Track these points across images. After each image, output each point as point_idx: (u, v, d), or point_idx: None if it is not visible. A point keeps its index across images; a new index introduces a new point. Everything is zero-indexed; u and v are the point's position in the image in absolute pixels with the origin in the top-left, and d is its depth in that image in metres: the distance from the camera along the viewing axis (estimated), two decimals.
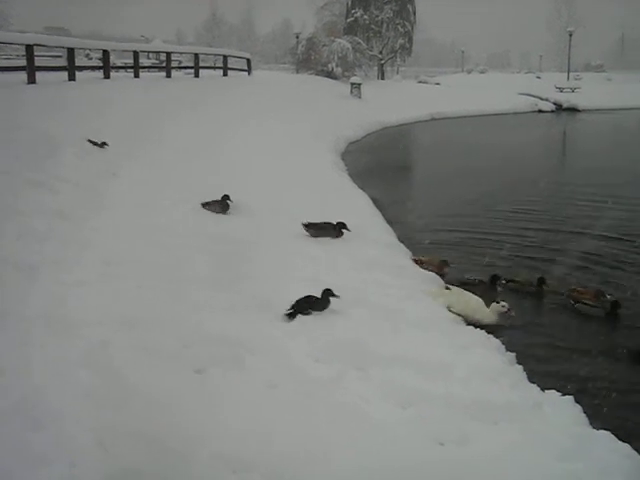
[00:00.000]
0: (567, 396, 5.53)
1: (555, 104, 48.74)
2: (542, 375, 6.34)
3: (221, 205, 10.71)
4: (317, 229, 9.80)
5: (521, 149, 26.54)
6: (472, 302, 7.67)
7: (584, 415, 5.40)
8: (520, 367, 6.24)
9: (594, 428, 5.24)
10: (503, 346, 6.67)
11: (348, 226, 9.79)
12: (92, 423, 4.45)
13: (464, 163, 21.79)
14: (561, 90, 53.80)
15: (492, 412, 5.14)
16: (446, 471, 4.34)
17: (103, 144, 13.51)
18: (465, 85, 55.89)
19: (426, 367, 5.78)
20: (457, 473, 4.32)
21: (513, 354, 6.52)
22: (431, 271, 9.06)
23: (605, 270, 10.04)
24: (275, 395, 5.21)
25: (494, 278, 8.98)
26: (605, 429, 5.16)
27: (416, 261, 9.45)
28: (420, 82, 57.72)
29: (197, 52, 35.09)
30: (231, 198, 10.83)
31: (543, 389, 5.74)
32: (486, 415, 5.09)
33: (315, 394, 5.25)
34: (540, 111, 46.86)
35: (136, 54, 27.69)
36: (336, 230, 9.79)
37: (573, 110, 47.71)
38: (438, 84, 56.22)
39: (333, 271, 8.34)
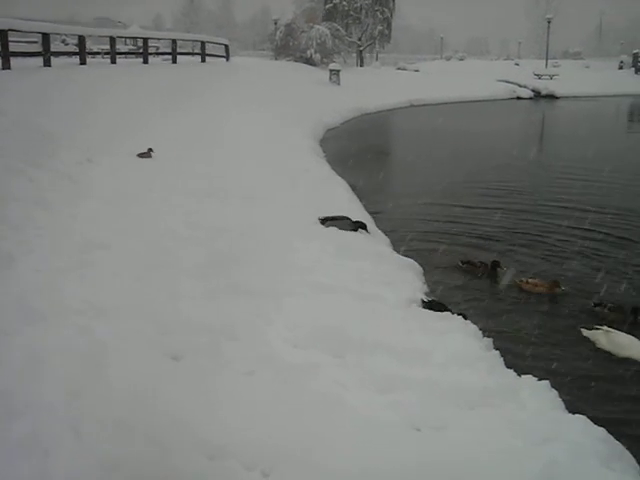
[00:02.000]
0: (543, 381, 5.58)
1: (533, 91, 48.91)
2: (519, 360, 6.42)
3: None
4: (333, 223, 9.83)
5: (500, 136, 26.64)
6: (624, 341, 6.96)
7: (560, 400, 5.46)
8: (497, 352, 6.26)
9: (570, 412, 5.30)
10: (480, 332, 6.70)
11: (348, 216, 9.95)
12: (69, 411, 4.44)
13: (443, 149, 21.88)
14: (539, 77, 53.98)
15: (469, 397, 5.17)
16: (422, 456, 4.36)
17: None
18: (444, 72, 55.87)
19: (404, 353, 5.80)
20: (433, 458, 4.34)
21: (490, 339, 6.55)
22: (540, 292, 8.44)
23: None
24: (253, 382, 5.20)
25: (495, 264, 9.07)
26: (581, 413, 5.23)
27: (522, 283, 8.65)
28: (399, 69, 57.58)
29: (175, 38, 34.76)
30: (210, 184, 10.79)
31: (520, 374, 5.78)
32: (463, 400, 5.11)
33: (293, 381, 5.23)
34: (519, 98, 47.02)
35: (113, 40, 27.42)
36: (352, 226, 9.80)
37: (551, 97, 47.92)
38: (417, 71, 56.13)
39: (311, 257, 8.33)
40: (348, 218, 9.96)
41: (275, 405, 4.87)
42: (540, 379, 5.62)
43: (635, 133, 31.94)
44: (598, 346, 7.02)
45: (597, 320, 7.59)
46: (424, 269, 8.97)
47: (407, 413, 4.90)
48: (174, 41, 33.64)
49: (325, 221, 9.84)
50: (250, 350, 5.68)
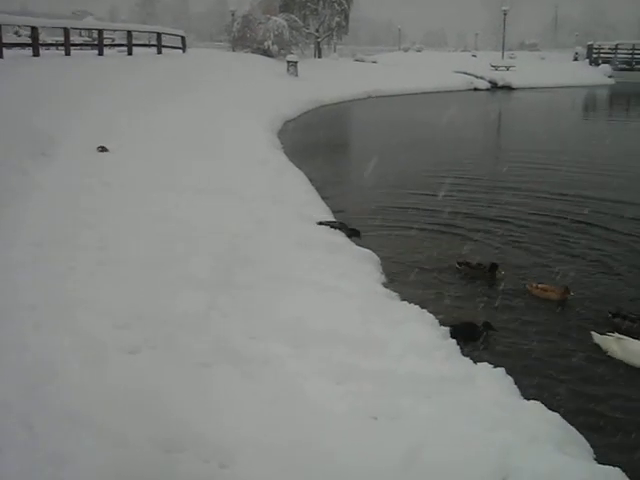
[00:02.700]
0: (498, 368, 5.64)
1: (490, 82, 49.29)
2: (475, 347, 6.49)
3: None
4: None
5: (458, 126, 26.79)
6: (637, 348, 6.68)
7: (515, 386, 5.53)
8: (453, 341, 6.32)
9: (525, 399, 5.36)
10: (437, 321, 6.74)
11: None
12: (21, 408, 4.37)
13: (401, 140, 21.91)
14: (496, 68, 54.37)
15: (425, 385, 5.20)
16: (379, 445, 4.37)
17: None
18: (402, 63, 56.00)
19: (361, 343, 5.81)
20: (389, 446, 4.35)
21: (447, 328, 6.60)
22: (551, 299, 8.03)
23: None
24: (209, 374, 5.17)
25: (493, 267, 8.80)
26: (535, 399, 5.29)
27: (532, 288, 8.26)
28: (357, 60, 57.64)
29: (130, 29, 34.37)
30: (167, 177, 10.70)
31: (476, 362, 5.83)
32: (419, 389, 5.14)
33: (251, 372, 5.22)
34: (476, 89, 47.37)
35: (67, 31, 27.00)
36: (347, 232, 9.79)
37: (508, 88, 48.36)
38: (375, 62, 56.20)
39: (268, 249, 8.30)
40: (344, 224, 9.97)
41: (233, 397, 4.86)
42: (496, 366, 5.68)
43: (589, 122, 32.43)
44: (610, 354, 6.68)
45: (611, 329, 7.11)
46: (383, 260, 9.00)
47: (364, 403, 4.91)
48: (130, 33, 33.25)
49: (320, 225, 9.86)
50: (206, 343, 5.64)
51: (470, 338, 6.71)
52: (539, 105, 39.74)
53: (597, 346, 6.86)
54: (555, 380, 6.22)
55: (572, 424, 5.10)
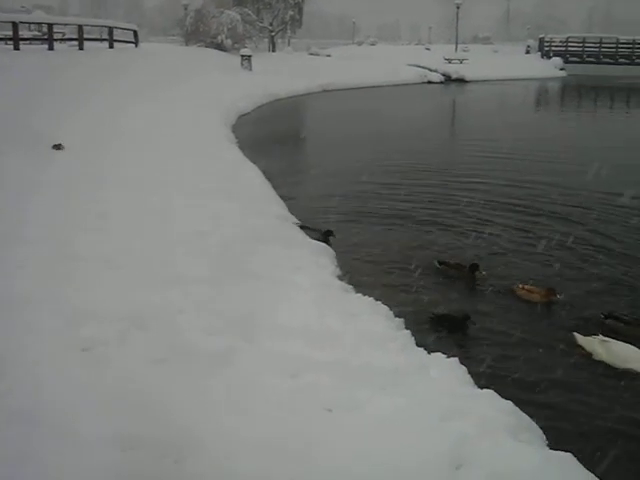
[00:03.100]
0: (452, 358, 5.68)
1: (444, 75, 49.65)
2: (429, 338, 6.53)
3: None
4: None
5: (412, 119, 26.96)
6: (625, 351, 6.50)
7: (469, 375, 5.57)
8: (408, 332, 6.35)
9: (479, 387, 5.41)
10: (391, 312, 6.77)
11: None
12: None
13: (355, 133, 21.97)
14: (449, 61, 54.76)
15: (380, 377, 5.20)
16: (334, 437, 4.37)
17: None
18: (356, 57, 56.03)
19: (316, 336, 5.80)
20: (345, 439, 4.35)
21: (401, 319, 6.63)
22: (536, 301, 7.85)
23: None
24: (164, 370, 5.11)
25: (473, 267, 8.69)
26: (488, 388, 5.34)
27: (517, 289, 8.07)
28: (311, 54, 57.52)
29: (81, 24, 33.78)
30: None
31: (430, 352, 5.86)
32: (374, 380, 5.14)
33: (206, 367, 5.17)
34: (429, 82, 47.67)
35: (15, 25, 26.48)
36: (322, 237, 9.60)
37: (461, 81, 48.79)
38: (329, 56, 56.17)
39: (222, 242, 8.23)
40: (319, 229, 9.82)
41: (187, 392, 4.81)
42: (449, 356, 5.72)
43: (542, 113, 32.88)
44: (595, 357, 6.52)
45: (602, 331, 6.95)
46: (338, 253, 9.00)
47: (319, 395, 4.90)
48: (81, 27, 32.69)
49: (302, 228, 9.86)
50: (161, 339, 5.57)
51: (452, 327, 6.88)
52: (492, 97, 40.19)
53: (560, 340, 6.96)
54: (511, 371, 6.29)
55: (525, 412, 5.17)
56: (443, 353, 5.79)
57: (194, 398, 4.74)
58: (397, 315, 6.78)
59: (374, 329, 6.11)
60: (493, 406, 5.01)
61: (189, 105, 21.56)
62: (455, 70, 50.62)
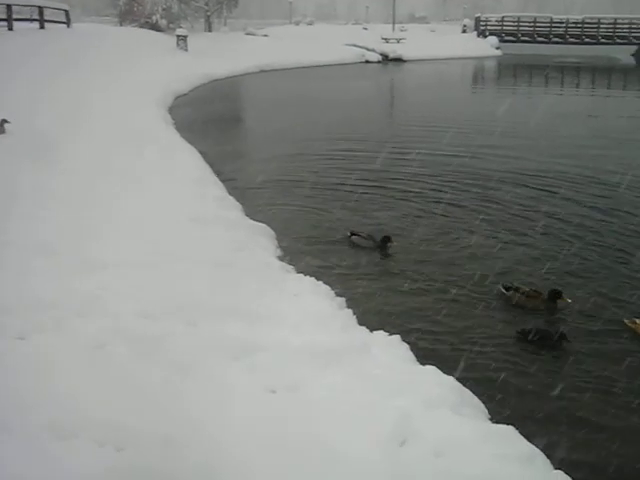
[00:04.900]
0: (394, 335, 5.69)
1: (382, 55, 49.72)
2: (371, 316, 6.53)
3: None
4: None
5: (351, 99, 26.92)
6: None
7: (411, 352, 5.59)
8: (350, 311, 6.35)
9: (421, 364, 5.43)
10: (333, 292, 6.75)
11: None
12: None
13: (294, 114, 21.91)
14: (387, 41, 54.84)
15: (323, 356, 5.18)
16: (277, 418, 4.33)
17: None
18: (293, 37, 55.69)
19: (257, 317, 5.77)
20: (288, 419, 4.32)
21: (343, 299, 6.62)
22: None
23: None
24: (103, 356, 4.99)
25: (385, 239, 8.79)
26: (431, 364, 5.37)
27: (634, 325, 6.97)
28: (248, 34, 56.88)
29: (10, 3, 32.74)
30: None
31: (372, 330, 5.86)
32: (317, 360, 5.13)
33: (145, 352, 5.08)
34: (367, 62, 47.68)
35: None
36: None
37: (399, 60, 48.93)
38: (266, 36, 55.72)
39: (160, 227, 8.10)
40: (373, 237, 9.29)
41: (128, 378, 4.70)
42: (391, 334, 5.73)
43: (479, 91, 33.25)
44: None
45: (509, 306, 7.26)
46: (278, 233, 8.95)
47: (262, 376, 4.87)
48: (9, 6, 31.67)
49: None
50: (99, 325, 5.44)
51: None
52: (430, 76, 40.42)
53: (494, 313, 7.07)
54: (451, 345, 6.34)
55: (467, 387, 5.22)
56: (385, 331, 5.79)
57: (135, 385, 4.63)
58: (338, 294, 6.76)
59: (315, 309, 6.09)
60: (436, 382, 5.04)
61: (122, 86, 21.15)
62: (392, 50, 50.75)
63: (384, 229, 9.28)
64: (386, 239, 8.78)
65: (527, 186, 12.09)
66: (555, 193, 11.61)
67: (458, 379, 5.19)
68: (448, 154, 14.52)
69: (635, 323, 6.78)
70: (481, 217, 10.11)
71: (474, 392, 5.18)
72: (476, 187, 11.85)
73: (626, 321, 6.84)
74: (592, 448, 4.98)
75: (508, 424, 4.64)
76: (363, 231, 9.10)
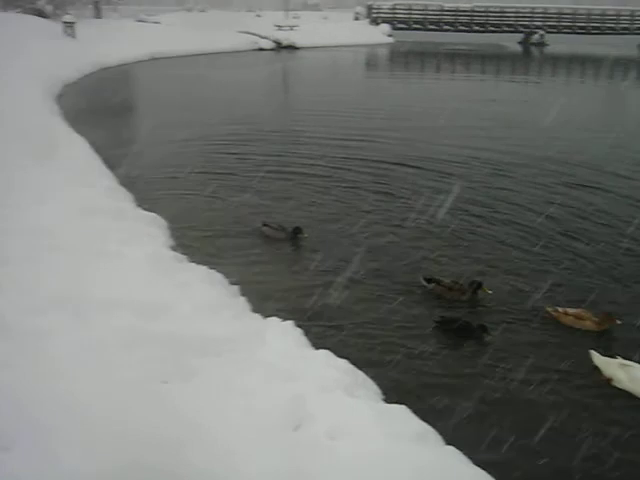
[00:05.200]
0: (287, 321, 5.70)
1: (275, 42, 49.62)
2: (267, 304, 6.52)
3: None
4: None
5: (245, 86, 26.78)
6: None
7: (305, 338, 5.61)
8: (243, 299, 6.31)
9: (315, 348, 5.46)
10: (226, 280, 6.69)
11: None
12: None
13: (188, 101, 21.62)
14: (280, 28, 54.70)
15: (215, 345, 5.15)
16: (169, 407, 4.26)
17: None
18: (186, 24, 54.67)
19: (148, 307, 5.64)
20: (180, 410, 4.25)
21: (236, 287, 6.58)
22: (584, 328, 6.83)
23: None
24: None
25: (296, 230, 8.76)
26: (325, 348, 5.40)
27: (554, 314, 7.07)
28: (139, 21, 55.68)
29: None
30: None
31: (265, 317, 5.85)
32: (210, 348, 5.09)
33: (30, 347, 4.89)
34: (261, 49, 47.52)
35: None
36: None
37: (292, 48, 48.95)
38: (158, 23, 54.67)
39: (48, 218, 7.82)
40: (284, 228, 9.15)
41: (12, 374, 4.52)
42: (284, 320, 5.73)
43: (370, 79, 33.58)
44: (616, 385, 5.85)
45: (430, 299, 7.28)
46: (171, 223, 8.81)
47: (154, 367, 4.77)
48: None
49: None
50: None
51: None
52: (323, 64, 40.62)
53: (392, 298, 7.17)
54: (344, 329, 6.40)
55: (361, 369, 5.29)
56: (278, 317, 5.79)
57: (19, 380, 4.47)
58: (232, 283, 6.71)
59: (208, 298, 6.03)
60: (329, 365, 5.08)
61: (4, 74, 20.27)
62: (286, 37, 50.70)
63: (295, 220, 9.22)
64: (297, 230, 8.75)
65: (434, 170, 12.36)
66: (452, 175, 11.97)
67: (357, 362, 5.26)
68: (344, 139, 14.67)
69: (557, 311, 6.93)
70: (390, 205, 10.28)
71: (374, 375, 5.27)
72: (376, 172, 12.04)
73: (548, 309, 7.00)
74: (485, 425, 5.13)
75: (401, 404, 4.72)
76: (274, 222, 9.03)
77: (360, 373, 5.22)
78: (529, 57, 49.67)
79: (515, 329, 6.67)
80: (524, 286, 7.60)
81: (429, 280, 7.48)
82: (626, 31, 60.16)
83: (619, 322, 6.69)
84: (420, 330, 6.53)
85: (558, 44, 55.21)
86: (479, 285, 7.30)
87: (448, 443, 4.47)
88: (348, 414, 4.42)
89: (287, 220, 9.23)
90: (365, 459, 4.01)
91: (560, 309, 6.94)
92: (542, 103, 22.24)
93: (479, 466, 4.22)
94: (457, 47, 51.94)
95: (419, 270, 7.85)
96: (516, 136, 15.97)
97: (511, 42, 57.63)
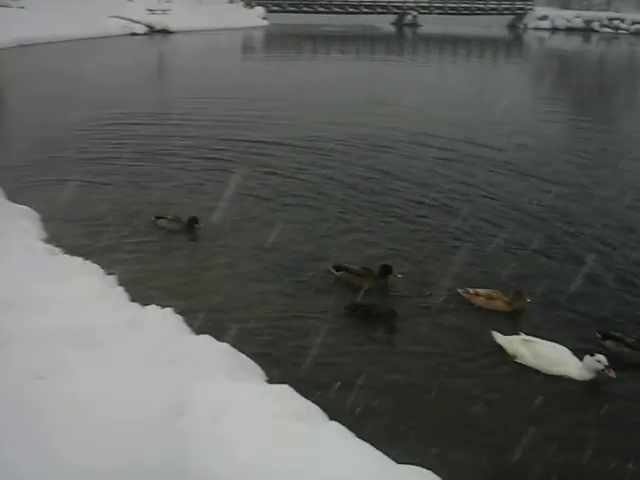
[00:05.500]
0: (167, 308, 5.64)
1: (148, 27, 48.54)
2: (145, 293, 6.42)
3: None
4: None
5: (117, 72, 26.11)
6: (553, 353, 6.00)
7: (184, 324, 5.57)
8: (121, 289, 6.20)
9: (196, 333, 5.44)
10: (102, 270, 6.56)
11: None
12: None
13: (58, 90, 20.83)
14: (152, 12, 53.55)
15: (94, 337, 5.03)
16: (48, 404, 4.15)
17: None
18: (53, 8, 52.68)
19: (18, 303, 5.44)
20: (57, 405, 4.15)
21: (113, 277, 6.46)
22: (496, 308, 6.92)
23: None
24: None
25: (192, 220, 8.56)
26: (208, 334, 5.38)
27: (465, 296, 7.11)
28: (2, 6, 53.23)
29: None
30: None
31: (144, 305, 5.77)
32: (87, 340, 4.96)
33: None
34: (134, 34, 46.37)
35: None
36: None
37: (165, 32, 48.05)
38: (22, 8, 52.37)
39: None
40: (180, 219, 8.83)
41: None
42: (164, 307, 5.67)
43: (246, 63, 33.44)
44: (519, 361, 5.99)
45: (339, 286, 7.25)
46: (44, 215, 8.51)
47: (28, 364, 4.62)
48: None
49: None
50: None
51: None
52: (198, 48, 40.15)
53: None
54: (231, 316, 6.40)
55: (244, 353, 5.30)
56: (157, 305, 5.72)
57: None
58: (109, 273, 6.58)
59: (85, 289, 5.88)
60: (211, 350, 5.07)
61: None
62: (158, 21, 49.72)
63: (190, 210, 9.02)
64: (193, 220, 8.59)
65: (313, 148, 12.59)
66: (333, 152, 12.19)
67: (239, 346, 5.27)
68: (222, 123, 14.64)
69: (468, 293, 7.04)
70: (283, 187, 10.35)
71: (259, 357, 5.34)
72: (261, 152, 12.18)
73: (460, 291, 7.10)
74: (375, 402, 5.25)
75: (284, 383, 4.76)
76: (169, 213, 8.82)
77: (242, 356, 5.23)
78: (403, 38, 50.76)
79: (425, 312, 6.75)
80: (434, 269, 7.70)
81: (338, 268, 7.41)
82: (494, 11, 62.31)
83: (529, 300, 6.88)
84: (317, 315, 6.58)
85: (430, 25, 56.61)
86: (389, 269, 7.29)
87: (332, 419, 4.53)
88: (231, 397, 4.41)
89: (172, 207, 9.14)
90: (250, 441, 4.02)
91: (471, 290, 7.04)
92: (416, 82, 22.85)
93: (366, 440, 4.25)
94: (332, 29, 52.37)
95: (319, 258, 7.86)
96: (391, 113, 16.32)
97: (385, 23, 58.67)
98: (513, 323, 6.57)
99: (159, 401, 4.30)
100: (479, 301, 6.93)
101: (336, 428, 4.35)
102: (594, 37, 54.84)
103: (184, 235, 8.49)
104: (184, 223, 8.62)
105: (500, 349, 6.11)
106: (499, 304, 6.87)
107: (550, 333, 6.28)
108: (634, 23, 59.29)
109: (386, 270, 7.29)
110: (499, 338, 6.20)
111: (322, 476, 3.62)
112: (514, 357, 6.03)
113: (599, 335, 6.25)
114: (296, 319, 6.44)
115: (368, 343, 6.15)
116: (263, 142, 12.86)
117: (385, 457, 4.00)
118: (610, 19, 60.96)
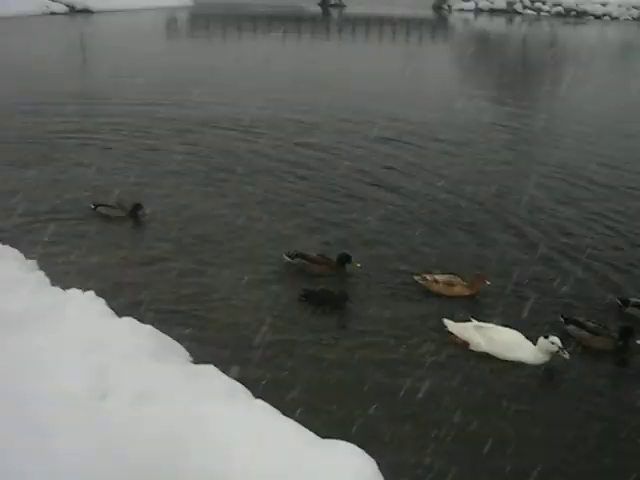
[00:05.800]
0: (88, 292, 5.56)
1: (68, 6, 47.31)
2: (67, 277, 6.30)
3: None
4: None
5: (36, 54, 25.38)
6: (508, 338, 6.00)
7: (109, 308, 5.49)
8: (42, 273, 6.07)
9: (118, 317, 5.37)
10: (22, 255, 6.41)
11: None
12: None
13: None
14: None
15: (12, 320, 4.90)
16: None
17: None
18: None
19: None
20: None
21: (34, 261, 6.32)
22: (456, 294, 6.92)
23: None
24: None
25: (136, 206, 8.44)
26: (129, 316, 5.32)
27: (423, 283, 7.08)
28: None
29: None
30: None
31: (65, 289, 5.66)
32: (6, 324, 4.83)
33: None
34: (53, 13, 45.12)
35: None
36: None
37: (87, 12, 46.90)
38: None
39: None
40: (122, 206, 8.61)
41: None
42: (85, 290, 5.57)
43: (171, 43, 32.99)
44: (474, 349, 6.01)
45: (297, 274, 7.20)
46: None
47: None
48: None
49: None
50: None
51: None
52: (122, 28, 39.44)
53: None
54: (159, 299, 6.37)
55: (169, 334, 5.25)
56: (78, 288, 5.62)
57: None
58: (29, 257, 6.43)
59: (1, 274, 5.72)
60: (134, 333, 5.00)
61: None
62: (80, 1, 48.47)
63: (131, 196, 8.89)
64: (137, 207, 8.40)
65: (239, 129, 12.62)
66: (263, 134, 12.19)
67: (164, 328, 5.23)
68: (150, 104, 14.52)
69: (425, 279, 7.01)
70: (220, 171, 10.38)
71: (184, 339, 5.34)
72: (188, 134, 12.16)
73: (416, 278, 7.07)
74: (293, 377, 5.33)
75: (208, 363, 4.74)
76: (109, 200, 8.63)
77: (166, 337, 5.19)
78: (328, 18, 50.69)
79: (381, 299, 6.74)
80: (391, 255, 7.71)
81: (293, 256, 7.34)
82: None
83: (488, 283, 6.92)
84: (264, 301, 6.59)
85: (356, 5, 56.69)
86: (348, 258, 7.24)
87: (257, 397, 4.53)
88: (155, 378, 4.38)
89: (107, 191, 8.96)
90: (174, 421, 4.00)
91: (429, 277, 7.01)
92: (342, 62, 22.84)
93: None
94: (258, 9, 51.99)
95: (264, 244, 7.87)
96: (318, 95, 16.36)
97: (310, 3, 58.47)
98: (469, 309, 6.59)
99: (81, 384, 4.23)
100: (438, 288, 6.91)
101: (261, 406, 4.36)
102: (517, 19, 55.71)
103: (127, 223, 8.34)
104: (126, 210, 8.41)
105: (452, 336, 6.13)
106: (458, 289, 6.88)
107: (507, 318, 6.34)
108: (555, 5, 60.47)
109: (345, 259, 7.24)
110: (451, 326, 6.20)
111: (243, 455, 3.62)
112: (467, 344, 6.04)
113: (562, 319, 6.37)
114: (240, 304, 6.46)
115: (314, 325, 6.20)
116: (190, 122, 12.94)
117: (309, 432, 4.02)
118: (532, 1, 61.98)
